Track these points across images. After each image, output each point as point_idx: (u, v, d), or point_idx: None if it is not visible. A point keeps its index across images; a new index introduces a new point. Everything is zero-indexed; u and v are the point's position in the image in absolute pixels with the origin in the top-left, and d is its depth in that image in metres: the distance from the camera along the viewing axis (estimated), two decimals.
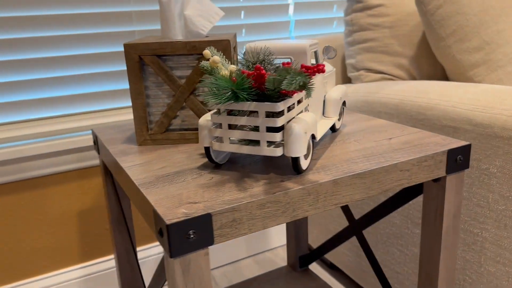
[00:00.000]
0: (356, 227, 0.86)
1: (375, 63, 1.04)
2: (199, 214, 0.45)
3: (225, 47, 0.64)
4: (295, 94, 0.52)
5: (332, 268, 1.29)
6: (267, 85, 0.49)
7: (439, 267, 0.66)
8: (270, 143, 0.52)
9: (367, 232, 1.05)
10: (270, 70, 0.55)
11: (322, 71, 0.53)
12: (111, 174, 0.79)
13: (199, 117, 0.68)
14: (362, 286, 1.11)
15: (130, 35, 1.11)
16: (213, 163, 0.58)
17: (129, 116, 1.13)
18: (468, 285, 0.79)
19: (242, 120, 0.52)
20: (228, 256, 1.33)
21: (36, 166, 1.03)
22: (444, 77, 1.04)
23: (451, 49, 0.91)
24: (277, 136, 0.51)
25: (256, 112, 0.52)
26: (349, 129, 0.71)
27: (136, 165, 0.60)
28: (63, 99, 1.07)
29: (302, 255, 1.07)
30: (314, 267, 1.30)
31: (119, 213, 0.82)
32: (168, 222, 0.44)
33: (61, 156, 1.05)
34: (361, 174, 0.54)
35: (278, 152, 0.51)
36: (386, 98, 0.89)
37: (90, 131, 1.09)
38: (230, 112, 0.53)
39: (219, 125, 0.55)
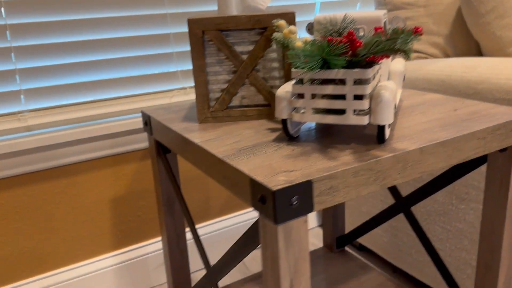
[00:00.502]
0: (403, 204, 0.87)
1: None
2: (301, 181, 0.45)
3: (291, 19, 0.64)
4: (382, 60, 0.52)
5: (361, 250, 1.30)
6: (359, 51, 0.48)
7: (502, 238, 0.67)
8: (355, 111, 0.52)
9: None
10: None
11: (421, 33, 0.52)
12: (164, 155, 0.78)
13: (261, 93, 0.68)
14: (397, 266, 1.12)
15: (162, 19, 1.10)
16: (288, 136, 0.57)
17: (162, 101, 1.12)
18: None
19: (328, 89, 0.51)
20: None
21: (69, 153, 1.02)
22: (479, 54, 1.05)
23: (491, 25, 0.91)
24: (366, 104, 0.50)
25: (340, 80, 0.51)
26: (408, 103, 0.71)
27: (208, 140, 0.59)
28: (95, 84, 1.05)
29: (339, 236, 1.08)
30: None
31: (170, 195, 0.81)
32: (274, 189, 0.43)
33: (94, 142, 1.04)
34: (444, 143, 0.54)
35: (365, 120, 0.51)
36: (431, 74, 0.89)
37: (122, 117, 1.07)
38: (312, 82, 0.53)
39: (298, 96, 0.54)
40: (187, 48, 1.14)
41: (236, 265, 0.61)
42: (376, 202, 1.13)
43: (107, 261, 1.12)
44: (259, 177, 0.46)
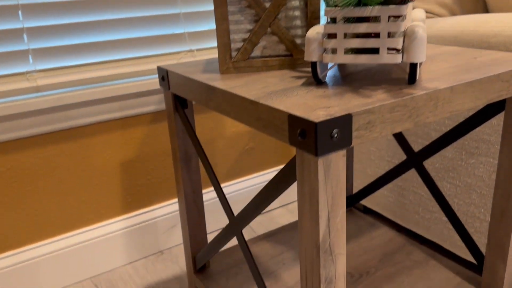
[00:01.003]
0: (415, 159, 0.88)
1: (418, 2, 1.05)
2: (342, 114, 0.45)
3: None
4: None
5: (366, 212, 1.32)
6: None
7: None
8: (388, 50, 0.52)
9: (413, 172, 1.07)
10: None
11: None
12: (182, 110, 0.78)
13: (283, 42, 0.67)
14: (403, 225, 1.14)
15: None
16: (317, 80, 0.58)
17: (169, 62, 1.10)
18: None
19: (362, 27, 0.51)
20: None
21: (79, 115, 1.01)
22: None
23: None
24: (400, 42, 0.51)
25: (373, 18, 0.52)
26: (428, 53, 0.72)
27: (235, 87, 0.59)
28: (102, 45, 1.04)
29: (348, 196, 1.10)
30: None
31: (188, 151, 0.82)
32: (316, 121, 0.44)
33: (103, 104, 1.03)
34: (472, 83, 0.55)
35: (398, 58, 0.52)
36: (443, 31, 0.89)
37: (130, 79, 1.06)
38: (345, 21, 0.53)
39: (329, 36, 0.54)
40: (195, 8, 1.12)
41: (265, 208, 0.62)
42: (383, 163, 1.15)
43: (117, 224, 1.12)
44: (298, 113, 0.47)
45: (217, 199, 1.26)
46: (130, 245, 1.14)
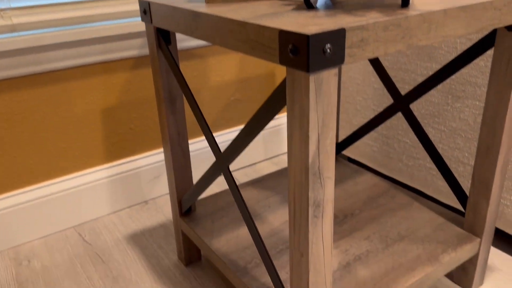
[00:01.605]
0: (402, 102, 0.88)
1: None
2: (335, 28, 0.44)
3: None
4: None
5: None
6: None
7: (505, 120, 0.69)
8: None
9: (396, 116, 1.07)
10: None
11: None
12: (166, 46, 0.75)
13: None
14: (387, 174, 1.15)
15: None
16: (308, 4, 0.56)
17: None
18: None
19: None
20: (247, 159, 1.34)
21: (57, 57, 0.97)
22: None
23: None
24: None
25: None
26: None
27: (222, 12, 0.57)
28: None
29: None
30: None
31: (172, 91, 0.79)
32: (308, 33, 0.42)
33: (83, 46, 0.99)
34: (465, 8, 0.54)
35: None
36: None
37: (113, 21, 1.02)
38: None
39: None
40: None
41: (254, 137, 0.61)
42: (369, 112, 1.15)
43: (100, 173, 1.10)
44: (289, 28, 0.45)
45: (203, 149, 1.25)
46: (114, 194, 1.13)
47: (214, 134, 1.27)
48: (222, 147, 1.28)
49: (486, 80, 0.85)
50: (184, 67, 1.15)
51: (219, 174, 0.71)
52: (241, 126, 1.32)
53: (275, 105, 0.54)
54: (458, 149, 0.94)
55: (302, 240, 0.53)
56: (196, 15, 0.60)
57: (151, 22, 0.73)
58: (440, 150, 0.99)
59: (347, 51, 0.46)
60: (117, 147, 1.12)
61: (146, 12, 0.74)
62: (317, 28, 0.44)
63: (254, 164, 1.37)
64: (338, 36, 0.44)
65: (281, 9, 0.57)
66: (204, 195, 1.21)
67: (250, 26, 0.50)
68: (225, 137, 1.28)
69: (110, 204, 1.13)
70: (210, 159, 1.27)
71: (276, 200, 0.94)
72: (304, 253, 0.53)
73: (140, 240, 1.03)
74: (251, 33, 0.50)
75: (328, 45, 0.44)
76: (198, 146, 1.24)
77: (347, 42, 0.45)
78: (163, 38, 0.75)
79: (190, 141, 1.23)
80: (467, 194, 0.92)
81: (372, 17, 0.48)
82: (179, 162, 0.85)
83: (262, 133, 1.35)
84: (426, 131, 1.00)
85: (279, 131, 1.38)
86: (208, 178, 0.74)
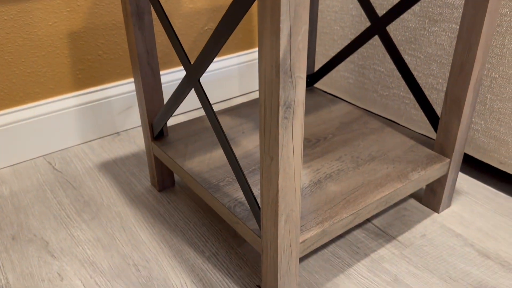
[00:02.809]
0: (379, 24, 0.86)
1: None
2: None
3: None
4: None
5: None
6: None
7: (480, 34, 0.68)
8: None
9: (372, 45, 1.06)
10: None
11: None
12: None
13: None
14: (362, 107, 1.15)
15: None
16: None
17: None
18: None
19: None
20: (222, 94, 1.32)
21: None
22: None
23: None
24: None
25: None
26: None
27: None
28: None
29: (309, 74, 1.08)
30: None
31: (139, 4, 0.75)
32: None
33: None
34: None
35: None
36: None
37: None
38: None
39: None
40: None
41: (224, 42, 0.58)
42: (346, 42, 1.13)
43: (68, 101, 1.06)
44: None
45: (175, 82, 1.21)
46: (84, 124, 1.10)
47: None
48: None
49: (463, 1, 0.84)
50: None
51: (190, 89, 0.69)
52: (217, 59, 1.28)
53: (244, 3, 0.51)
54: (432, 76, 0.94)
55: (272, 143, 0.52)
56: None
57: None
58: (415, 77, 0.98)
59: None
60: (85, 74, 1.07)
61: None
62: None
63: (229, 99, 1.35)
64: None
65: None
66: (177, 121, 1.19)
67: None
68: None
69: (81, 134, 1.10)
70: None
71: (250, 126, 0.93)
72: (274, 157, 0.52)
73: (112, 168, 1.02)
74: None
75: None
76: (170, 77, 1.21)
77: None
78: None
79: (161, 72, 1.19)
80: (435, 110, 0.93)
81: None
82: (148, 82, 0.82)
83: (237, 67, 1.32)
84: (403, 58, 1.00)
85: (255, 65, 1.35)
86: (179, 95, 0.72)
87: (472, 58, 0.70)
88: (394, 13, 0.83)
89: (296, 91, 0.49)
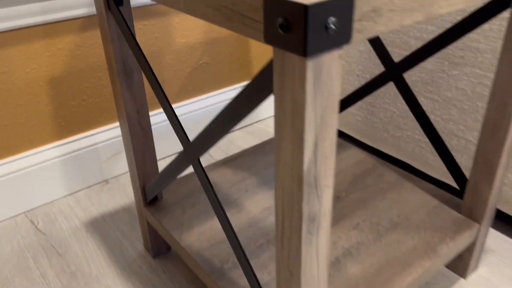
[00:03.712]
0: (395, 70, 0.77)
1: None
2: None
3: None
4: None
5: None
6: None
7: None
8: None
9: (385, 87, 0.97)
10: None
11: None
12: (117, 7, 0.61)
13: None
14: (371, 145, 1.07)
15: None
16: None
17: None
18: None
19: None
20: None
21: None
22: None
23: None
24: None
25: None
26: None
27: None
28: None
29: None
30: None
31: (127, 62, 0.66)
32: (306, 2, 0.30)
33: (20, 5, 0.82)
34: None
35: None
36: None
37: None
38: None
39: None
40: None
41: (228, 130, 0.50)
42: (352, 78, 1.04)
43: (51, 152, 0.97)
44: None
45: (167, 122, 1.12)
46: (69, 174, 1.00)
47: (181, 104, 1.14)
48: (192, 117, 1.16)
49: (489, 45, 0.75)
50: (143, 27, 1.00)
51: (188, 166, 0.59)
52: (212, 93, 1.19)
53: (257, 94, 0.42)
54: (452, 121, 0.86)
55: (293, 258, 0.43)
56: None
57: None
58: (432, 122, 0.90)
59: (355, 25, 0.34)
60: (69, 121, 0.98)
61: None
62: None
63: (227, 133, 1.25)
64: (345, 6, 0.32)
65: None
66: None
67: None
68: (194, 106, 1.15)
69: (66, 185, 1.00)
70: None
71: (253, 182, 0.84)
72: (295, 273, 0.44)
73: (101, 227, 0.92)
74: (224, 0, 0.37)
75: (332, 19, 0.32)
76: (162, 117, 1.11)
77: (356, 14, 0.33)
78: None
79: (157, 111, 1.10)
80: (460, 167, 0.85)
81: None
82: (140, 144, 0.72)
83: None
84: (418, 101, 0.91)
85: None
86: (175, 169, 0.63)
87: (507, 120, 0.62)
88: (412, 59, 0.74)
89: (322, 202, 0.40)
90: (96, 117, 1.01)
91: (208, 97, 1.18)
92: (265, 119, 1.33)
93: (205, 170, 0.87)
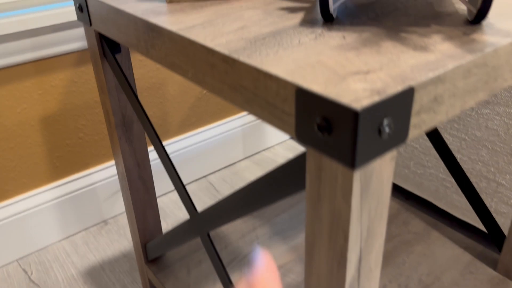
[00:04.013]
0: None
1: None
2: (399, 90, 0.25)
3: None
4: None
5: None
6: None
7: None
8: None
9: None
10: None
11: None
12: (113, 55, 0.53)
13: None
14: (394, 183, 0.99)
15: None
16: (326, 15, 0.36)
17: None
18: None
19: None
20: (224, 159, 1.15)
21: None
22: None
23: None
24: None
25: None
26: None
27: (193, 27, 0.36)
28: None
29: None
30: None
31: (125, 113, 0.59)
32: (358, 108, 0.23)
33: (9, 42, 0.75)
34: None
35: None
36: None
37: (46, 6, 0.78)
38: None
39: None
40: None
41: (244, 215, 0.42)
42: None
43: (46, 194, 0.89)
44: (316, 86, 0.25)
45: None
46: (65, 216, 0.93)
47: (185, 135, 1.07)
48: (196, 149, 1.08)
49: None
50: (144, 58, 0.93)
51: (196, 237, 0.52)
52: (216, 123, 1.12)
53: (283, 188, 0.35)
54: (481, 162, 0.79)
55: None
56: (151, 28, 0.39)
57: (90, 24, 0.51)
58: (457, 161, 0.83)
59: (413, 120, 0.27)
60: (64, 161, 0.90)
61: (82, 9, 0.52)
62: (367, 89, 0.25)
63: (233, 164, 1.18)
64: (403, 103, 0.25)
65: (283, 20, 0.37)
66: (166, 206, 1.03)
67: (242, 66, 0.30)
68: (198, 138, 1.08)
69: (62, 229, 0.93)
70: (192, 159, 1.07)
71: (265, 232, 0.76)
72: None
73: (99, 277, 0.85)
74: (245, 77, 0.30)
75: (387, 121, 0.25)
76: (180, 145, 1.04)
77: (415, 107, 0.26)
78: (108, 46, 0.54)
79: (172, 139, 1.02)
80: (490, 212, 0.77)
81: (445, 53, 0.29)
82: (140, 200, 0.65)
83: (241, 128, 1.15)
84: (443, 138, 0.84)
85: (259, 125, 1.19)
86: (180, 238, 0.56)
87: None
88: None
89: None
90: (93, 156, 0.94)
91: (213, 127, 1.11)
92: (272, 146, 1.26)
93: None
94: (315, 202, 0.29)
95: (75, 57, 0.84)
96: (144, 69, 0.93)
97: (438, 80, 0.27)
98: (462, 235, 0.74)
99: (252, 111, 0.31)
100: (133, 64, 0.91)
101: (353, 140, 0.24)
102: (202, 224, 0.49)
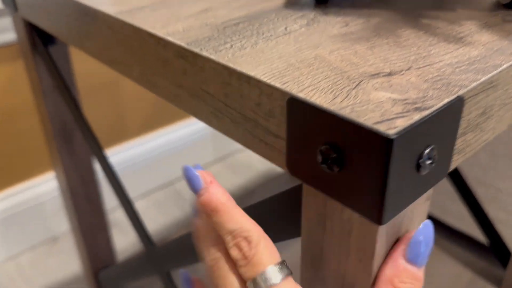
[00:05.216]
0: None
1: None
2: (444, 104, 0.16)
3: None
4: None
5: None
6: None
7: None
8: None
9: None
10: None
11: None
12: (46, 49, 0.43)
13: None
14: None
15: None
16: None
17: None
18: None
19: None
20: (193, 161, 1.05)
21: None
22: None
23: None
24: None
25: None
26: None
27: (139, 9, 0.27)
28: None
29: None
30: None
31: (64, 118, 0.48)
32: (390, 133, 0.14)
33: None
34: None
35: None
36: None
37: None
38: None
39: None
40: None
41: None
42: None
43: None
44: (319, 96, 0.17)
45: (127, 163, 0.94)
46: (7, 235, 0.81)
47: (147, 136, 0.96)
48: (157, 152, 0.98)
49: None
50: None
51: (153, 275, 0.43)
52: (182, 123, 1.01)
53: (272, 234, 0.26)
54: (479, 166, 0.72)
55: None
56: (85, 11, 0.29)
57: (16, 9, 0.41)
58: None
59: (457, 145, 0.18)
60: (3, 173, 0.78)
61: None
62: (398, 105, 0.16)
63: (203, 168, 1.08)
64: (449, 121, 0.17)
65: (261, 1, 0.28)
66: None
67: (205, 63, 0.21)
68: (161, 140, 0.98)
69: (4, 249, 0.81)
70: (139, 170, 0.97)
71: None
72: None
73: None
74: (211, 80, 0.21)
75: (429, 150, 0.16)
76: (121, 157, 0.93)
77: (462, 125, 0.18)
78: (40, 36, 0.43)
79: (109, 149, 0.91)
80: (491, 223, 0.71)
81: (491, 47, 0.21)
82: (88, 222, 0.55)
83: (210, 131, 1.06)
84: None
85: None
86: (136, 272, 0.46)
87: None
88: None
89: None
90: (37, 164, 0.82)
91: (180, 127, 1.01)
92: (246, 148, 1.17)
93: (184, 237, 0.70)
94: (316, 260, 0.20)
95: (11, 51, 0.72)
96: (96, 65, 0.82)
97: (490, 85, 0.19)
98: (461, 248, 0.67)
99: (221, 129, 0.22)
100: (84, 57, 0.80)
101: (381, 183, 0.15)
102: (161, 259, 0.39)
